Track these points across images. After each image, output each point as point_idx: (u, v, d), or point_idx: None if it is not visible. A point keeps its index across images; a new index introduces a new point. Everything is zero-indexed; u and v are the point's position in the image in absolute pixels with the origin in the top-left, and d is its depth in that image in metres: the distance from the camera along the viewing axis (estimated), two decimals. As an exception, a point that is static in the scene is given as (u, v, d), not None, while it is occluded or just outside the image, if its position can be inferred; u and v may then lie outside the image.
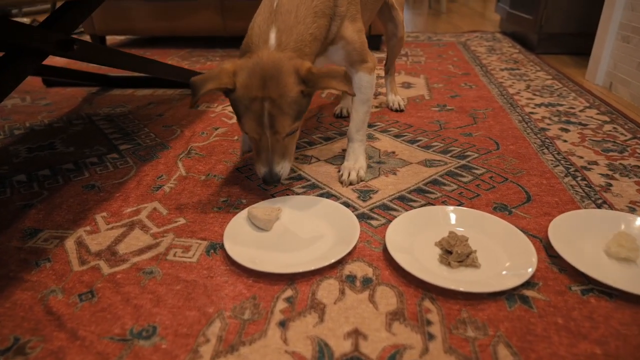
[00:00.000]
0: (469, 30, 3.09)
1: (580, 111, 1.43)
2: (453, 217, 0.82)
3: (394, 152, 1.16)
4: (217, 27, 2.52)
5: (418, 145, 1.20)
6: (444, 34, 2.95)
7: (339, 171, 1.05)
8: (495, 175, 1.03)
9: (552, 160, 1.09)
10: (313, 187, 0.99)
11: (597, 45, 1.78)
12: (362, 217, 0.87)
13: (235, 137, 1.28)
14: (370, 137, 1.26)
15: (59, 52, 0.96)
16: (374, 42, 2.47)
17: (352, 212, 0.87)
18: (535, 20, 2.25)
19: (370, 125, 1.35)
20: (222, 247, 0.78)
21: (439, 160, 1.11)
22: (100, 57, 1.12)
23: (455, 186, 0.98)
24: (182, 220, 0.88)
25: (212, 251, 0.78)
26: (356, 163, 1.03)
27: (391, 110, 1.48)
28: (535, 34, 2.30)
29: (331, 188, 0.99)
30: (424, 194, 0.95)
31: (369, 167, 1.08)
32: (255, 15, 0.91)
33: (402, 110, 1.47)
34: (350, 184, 1.00)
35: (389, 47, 1.46)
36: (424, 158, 1.12)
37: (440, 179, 1.02)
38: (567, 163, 1.07)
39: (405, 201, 0.93)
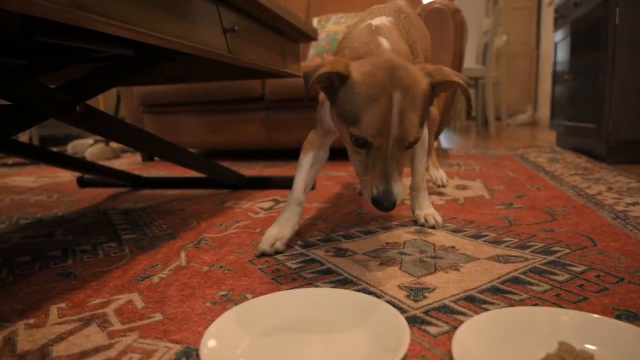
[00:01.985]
0: (523, 146, 2.92)
1: (692, 210, 1.12)
2: (564, 323, 0.52)
3: (453, 247, 0.89)
4: (262, 140, 2.51)
5: (485, 241, 0.93)
6: (497, 149, 2.79)
7: (417, 222, 1.08)
8: (603, 274, 0.73)
9: (680, 259, 0.78)
10: (345, 283, 0.73)
11: (687, 143, 1.52)
12: (413, 321, 0.59)
13: (258, 229, 1.07)
14: (421, 232, 1.01)
15: (60, 113, 0.85)
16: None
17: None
18: (601, 128, 2.05)
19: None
20: (198, 354, 0.52)
21: (516, 256, 0.82)
22: (106, 127, 1.01)
23: (547, 286, 0.69)
24: (157, 317, 0.63)
25: None
26: (429, 209, 1.08)
27: (436, 185, 1.50)
28: (603, 143, 2.08)
29: (369, 284, 0.72)
30: (503, 295, 0.66)
31: (420, 261, 0.82)
32: (344, 43, 0.88)
33: (444, 186, 1.49)
34: (433, 227, 1.04)
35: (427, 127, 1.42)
36: (494, 253, 0.84)
37: (523, 276, 0.73)
38: None
39: (476, 303, 0.64)
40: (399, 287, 0.71)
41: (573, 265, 0.77)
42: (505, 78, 5.65)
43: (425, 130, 1.05)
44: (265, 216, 1.21)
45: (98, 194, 1.65)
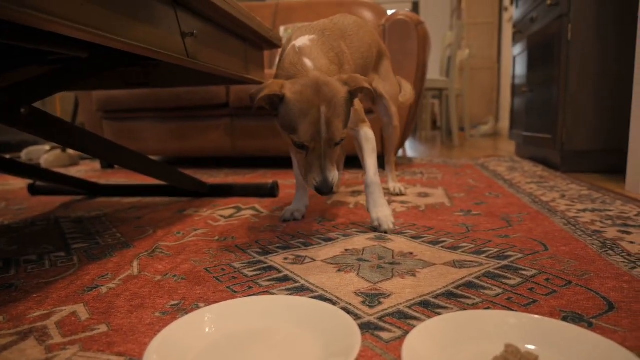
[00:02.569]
0: (484, 155, 3.00)
1: (636, 215, 1.18)
2: (511, 326, 0.53)
3: (411, 253, 0.90)
4: (227, 147, 2.48)
5: (442, 246, 0.94)
6: (459, 158, 2.86)
7: (372, 224, 1.11)
8: (552, 277, 0.75)
9: (623, 262, 0.81)
10: (302, 290, 0.72)
11: (633, 155, 1.60)
12: (366, 327, 0.59)
13: (216, 237, 1.05)
14: (381, 238, 1.01)
15: (2, 115, 0.80)
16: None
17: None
18: (555, 139, 2.14)
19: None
20: (143, 366, 0.49)
21: (471, 261, 0.84)
22: (55, 132, 0.96)
23: (499, 290, 0.70)
24: (102, 328, 0.60)
25: (125, 372, 0.49)
26: (383, 209, 1.11)
27: (392, 194, 1.54)
28: (558, 153, 2.16)
29: (325, 291, 0.72)
30: (457, 299, 0.67)
31: (378, 267, 0.82)
32: (279, 65, 1.05)
33: (403, 194, 1.55)
34: (386, 232, 1.07)
35: (386, 138, 1.58)
36: (451, 259, 0.85)
37: (476, 281, 0.74)
38: (648, 266, 0.79)
39: (430, 308, 0.64)
40: (355, 293, 0.70)
41: (525, 270, 0.78)
42: (469, 90, 5.82)
43: (370, 131, 1.18)
44: (225, 224, 1.18)
45: (50, 202, 1.58)
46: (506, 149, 3.62)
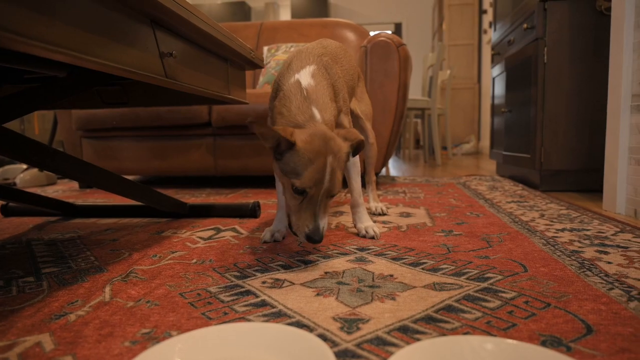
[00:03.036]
0: (466, 174, 3.04)
1: (613, 235, 1.19)
2: (489, 352, 0.52)
3: (391, 276, 0.89)
4: (209, 166, 2.46)
5: (422, 268, 0.93)
6: (442, 177, 2.89)
7: (359, 234, 1.24)
8: (531, 299, 0.74)
9: (601, 282, 0.82)
10: (279, 316, 0.70)
11: (609, 174, 1.63)
12: (343, 355, 0.57)
13: (194, 260, 1.02)
14: (361, 260, 1.00)
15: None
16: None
17: (330, 348, 0.57)
18: (534, 158, 2.18)
19: (362, 249, 1.10)
20: (107, 401, 0.47)
21: (451, 284, 0.83)
22: (23, 151, 0.93)
23: (479, 313, 0.69)
24: None
25: (88, 409, 0.47)
26: (369, 222, 1.25)
27: (374, 214, 1.56)
28: (537, 172, 2.20)
29: (303, 316, 0.70)
30: (436, 324, 0.66)
31: (357, 290, 0.81)
32: (282, 101, 1.05)
33: (385, 214, 1.56)
34: (373, 238, 1.20)
35: (366, 157, 1.60)
36: (431, 281, 0.85)
37: (456, 304, 0.73)
38: (625, 286, 0.80)
39: (409, 333, 0.63)
40: (334, 318, 0.69)
41: (504, 292, 0.78)
42: (450, 110, 5.92)
43: (356, 158, 1.26)
44: (204, 246, 1.16)
45: (23, 224, 1.53)
46: (487, 167, 3.68)
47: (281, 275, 0.91)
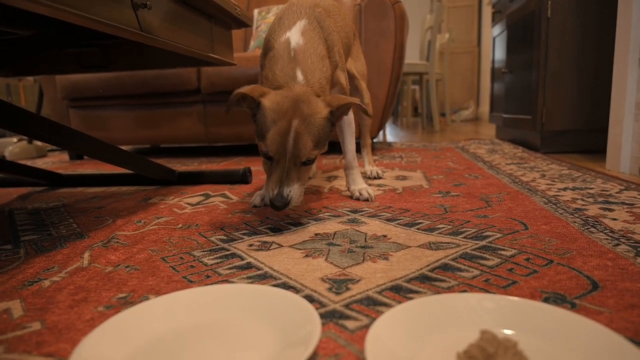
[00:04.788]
0: (464, 139, 2.98)
1: (618, 193, 1.15)
2: (488, 310, 0.48)
3: (385, 236, 0.84)
4: (200, 134, 2.39)
5: (418, 228, 0.89)
6: (439, 142, 2.83)
7: (351, 196, 1.20)
8: (533, 256, 0.70)
9: (607, 239, 0.77)
10: (264, 278, 0.66)
11: (614, 131, 1.57)
12: (330, 315, 0.53)
13: (179, 225, 0.98)
14: (354, 222, 0.96)
15: None
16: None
17: (316, 309, 0.53)
18: (535, 119, 2.11)
19: (355, 211, 1.06)
20: (71, 368, 0.43)
21: (448, 243, 0.79)
22: (7, 120, 0.88)
23: (477, 272, 0.65)
24: (35, 326, 0.54)
25: (49, 377, 0.43)
26: (362, 184, 1.20)
27: (369, 178, 1.50)
28: (538, 134, 2.14)
29: (290, 278, 0.66)
30: (431, 283, 0.62)
31: (348, 251, 0.76)
32: (270, 62, 0.99)
33: (380, 178, 1.51)
34: (367, 200, 1.15)
35: (360, 118, 1.52)
36: (426, 241, 0.80)
37: (453, 263, 0.69)
38: (632, 242, 0.75)
39: (402, 292, 0.59)
40: (322, 279, 0.64)
41: (503, 249, 0.74)
42: (449, 75, 5.79)
43: (352, 116, 1.23)
44: (192, 211, 1.11)
45: (7, 194, 1.48)
46: (487, 133, 3.61)
47: (269, 238, 0.87)
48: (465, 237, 0.81)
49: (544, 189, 1.24)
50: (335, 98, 0.93)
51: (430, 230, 0.87)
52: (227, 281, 0.66)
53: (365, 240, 0.82)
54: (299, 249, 0.78)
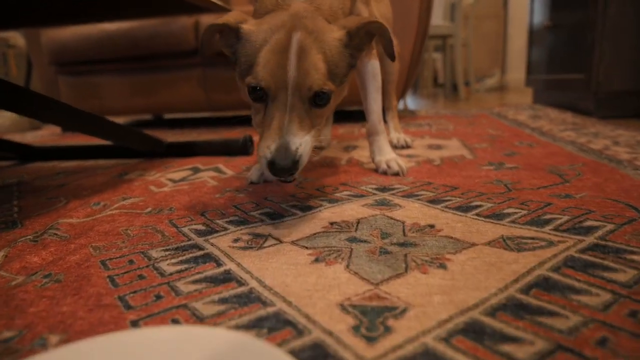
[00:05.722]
0: (499, 105, 2.65)
1: None
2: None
3: (432, 227, 0.58)
4: (200, 101, 2.13)
5: (477, 214, 0.62)
6: (469, 109, 2.51)
7: (376, 169, 0.93)
8: (689, 265, 0.43)
9: None
10: (248, 302, 0.41)
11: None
12: (361, 399, 0.27)
13: (149, 209, 0.73)
14: (384, 204, 0.69)
15: None
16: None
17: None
18: (590, 78, 1.78)
19: (383, 189, 0.79)
20: None
21: (532, 238, 0.52)
22: None
23: (607, 295, 0.38)
24: None
25: None
26: (391, 154, 0.93)
27: (395, 147, 1.23)
28: (591, 96, 1.81)
29: (288, 302, 0.40)
30: (533, 317, 0.35)
31: (381, 252, 0.50)
32: None
33: (409, 147, 1.24)
34: (397, 174, 0.89)
35: (384, 73, 1.09)
36: (497, 235, 0.53)
37: (557, 276, 0.42)
38: None
39: (488, 340, 0.33)
40: (342, 307, 0.38)
41: (631, 251, 0.46)
42: (473, 40, 5.37)
43: (377, 65, 0.94)
44: (171, 190, 0.86)
45: (-35, 169, 1.25)
46: (517, 101, 3.26)
47: (265, 228, 0.61)
48: (555, 229, 0.54)
49: (627, 158, 0.95)
50: (350, 19, 0.68)
51: (496, 216, 0.60)
52: (185, 307, 0.40)
53: (404, 234, 0.55)
54: (306, 248, 0.52)
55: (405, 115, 2.26)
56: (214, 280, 0.45)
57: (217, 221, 0.65)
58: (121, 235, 0.61)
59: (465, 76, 5.22)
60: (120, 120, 2.82)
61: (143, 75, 2.14)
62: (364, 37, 0.67)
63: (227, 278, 0.45)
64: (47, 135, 2.36)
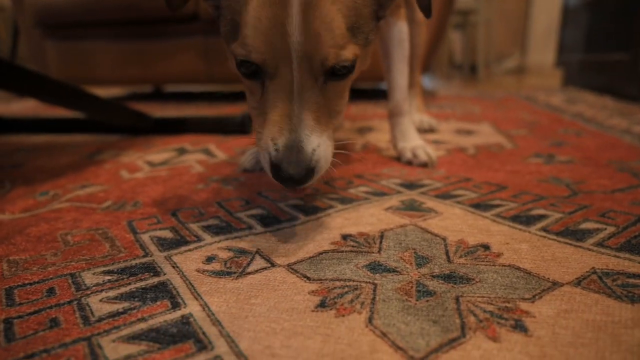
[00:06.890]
0: (519, 87, 2.45)
1: None
2: None
3: (486, 247, 0.41)
4: (200, 73, 1.94)
5: (544, 229, 0.45)
6: (493, 91, 2.31)
7: (402, 158, 0.75)
8: None
9: None
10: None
11: None
12: None
13: (108, 203, 0.56)
14: (413, 208, 0.52)
15: None
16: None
17: None
18: (636, 59, 1.58)
19: (410, 185, 0.62)
20: None
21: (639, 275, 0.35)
22: None
23: None
24: None
25: None
26: (417, 141, 0.76)
27: (418, 131, 0.96)
28: (636, 78, 1.61)
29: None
30: None
31: (419, 292, 0.33)
32: None
33: (434, 131, 1.06)
34: (425, 165, 0.72)
35: (410, 44, 0.87)
36: (587, 266, 0.36)
37: None
38: None
39: None
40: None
41: None
42: (494, 18, 5.09)
43: (405, 28, 0.75)
44: (145, 176, 0.69)
45: None
46: (544, 84, 3.04)
47: (252, 240, 0.44)
48: (674, 263, 0.37)
49: None
50: None
51: (572, 234, 0.43)
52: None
53: (449, 259, 0.39)
54: (308, 279, 0.36)
55: (425, 95, 2.07)
56: (160, 339, 0.29)
57: (191, 225, 0.48)
58: (56, 243, 0.44)
59: (484, 57, 4.96)
60: (114, 91, 2.65)
61: (138, 42, 1.96)
62: None
63: (182, 334, 0.29)
64: (34, 106, 2.20)
